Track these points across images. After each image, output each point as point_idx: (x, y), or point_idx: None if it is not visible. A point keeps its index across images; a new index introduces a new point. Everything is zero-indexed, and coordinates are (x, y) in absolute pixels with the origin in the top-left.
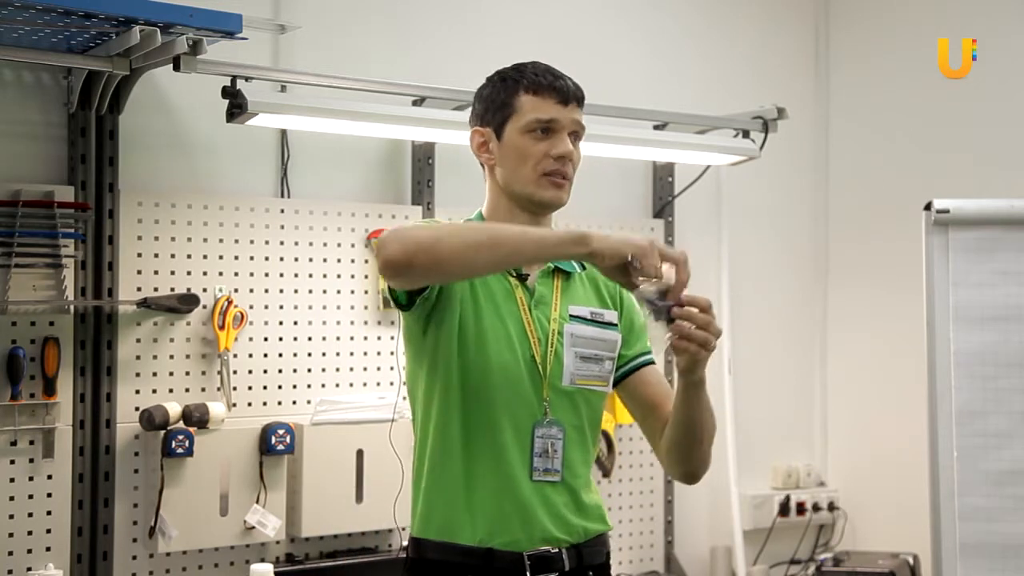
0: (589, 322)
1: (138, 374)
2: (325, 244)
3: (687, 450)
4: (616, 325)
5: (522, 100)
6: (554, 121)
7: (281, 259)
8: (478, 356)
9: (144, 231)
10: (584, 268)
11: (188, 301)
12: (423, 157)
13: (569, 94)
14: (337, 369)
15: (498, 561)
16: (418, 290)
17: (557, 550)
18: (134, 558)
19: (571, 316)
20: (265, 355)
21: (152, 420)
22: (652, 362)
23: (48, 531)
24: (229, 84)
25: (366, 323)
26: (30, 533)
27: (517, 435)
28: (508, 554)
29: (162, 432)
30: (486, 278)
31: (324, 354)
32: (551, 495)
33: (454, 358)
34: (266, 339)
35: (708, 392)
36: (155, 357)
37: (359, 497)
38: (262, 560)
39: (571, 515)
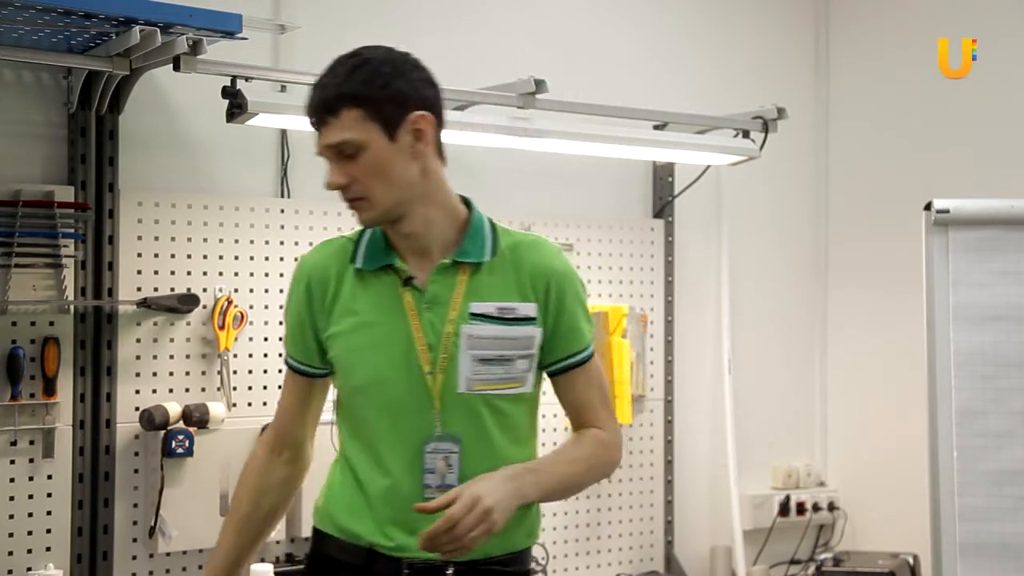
0: (494, 320)
1: (138, 374)
2: None
3: None
4: (533, 319)
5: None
6: (320, 149)
7: (281, 259)
8: (351, 378)
9: (144, 231)
10: (495, 254)
11: (188, 301)
12: None
13: (316, 114)
14: None
15: (379, 565)
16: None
17: (443, 563)
18: (134, 558)
19: (472, 315)
20: (265, 355)
21: (152, 420)
22: (578, 364)
23: (48, 531)
24: (229, 84)
25: None
26: (30, 533)
27: (404, 452)
28: (390, 559)
29: (162, 432)
30: (369, 283)
31: None
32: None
33: (337, 381)
34: (266, 339)
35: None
36: (155, 357)
37: None
38: (262, 560)
39: None
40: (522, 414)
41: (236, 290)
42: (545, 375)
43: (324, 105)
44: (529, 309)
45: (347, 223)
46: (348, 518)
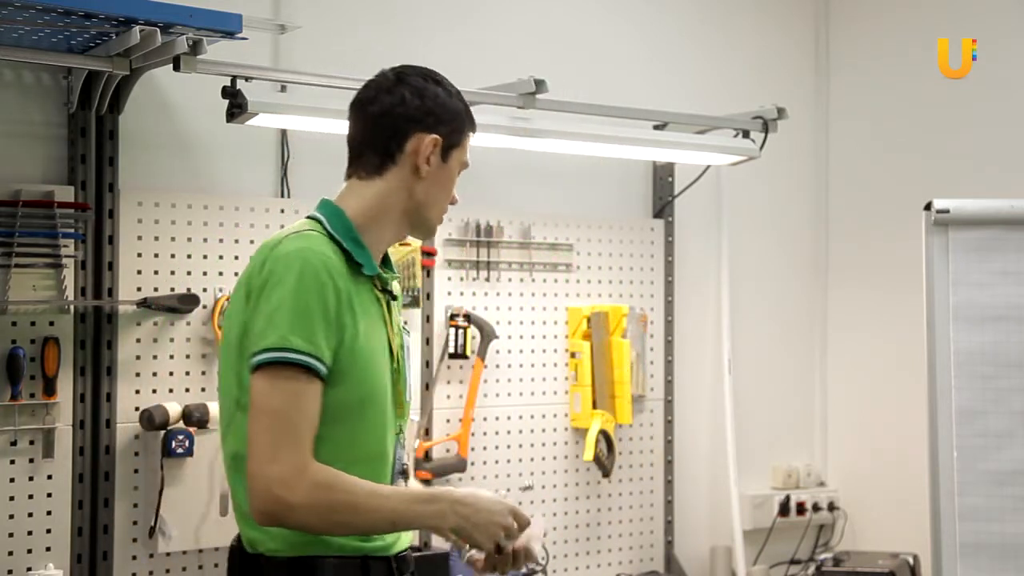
0: (406, 332)
1: (138, 374)
2: None
3: None
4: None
5: (467, 137)
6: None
7: None
8: (364, 385)
9: (144, 231)
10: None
11: (188, 301)
12: None
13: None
14: None
15: (375, 569)
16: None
17: (410, 551)
18: (134, 558)
19: (403, 328)
20: None
21: (152, 420)
22: None
23: (48, 531)
24: (229, 84)
25: None
26: (30, 533)
27: (390, 457)
28: (382, 559)
29: (162, 432)
30: (361, 290)
31: None
32: None
33: (343, 392)
34: None
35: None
36: (155, 357)
37: None
38: None
39: None
40: None
41: None
42: None
43: None
44: None
45: None
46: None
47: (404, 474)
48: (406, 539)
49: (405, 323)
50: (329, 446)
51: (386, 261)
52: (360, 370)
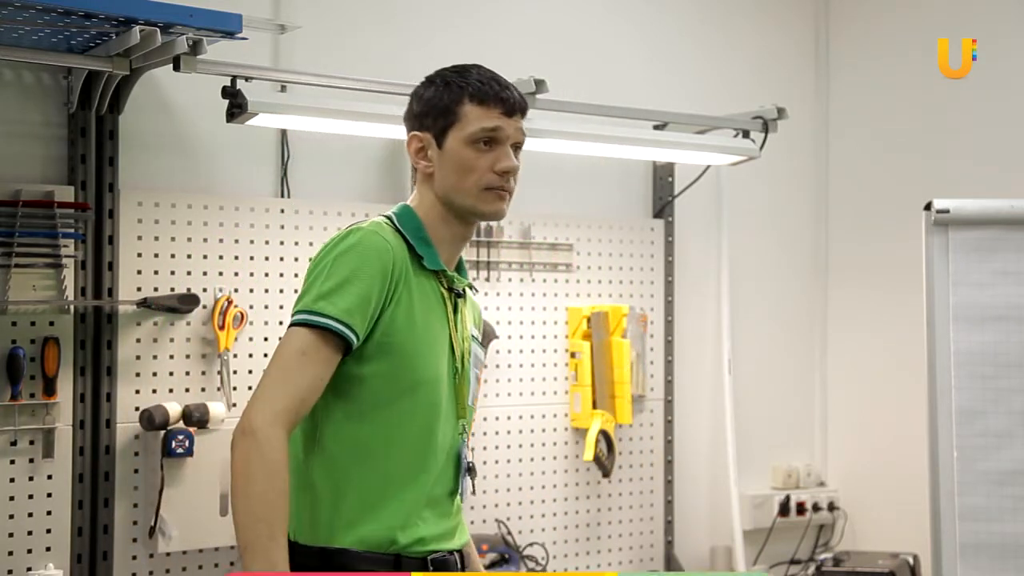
0: (476, 341)
1: (138, 374)
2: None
3: None
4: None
5: (466, 109)
6: (499, 130)
7: (281, 259)
8: (413, 372)
9: (144, 231)
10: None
11: (188, 301)
12: None
13: (515, 105)
14: None
15: (405, 565)
16: (352, 340)
17: (445, 555)
18: (134, 558)
19: (472, 336)
20: (265, 355)
21: (152, 420)
22: None
23: (48, 531)
24: (229, 84)
25: None
26: (30, 533)
27: (441, 454)
28: (414, 559)
29: (162, 432)
30: (422, 282)
31: None
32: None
33: (391, 373)
34: (266, 339)
35: None
36: (155, 357)
37: None
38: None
39: (462, 524)
40: None
41: (236, 290)
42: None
43: (524, 103)
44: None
45: (347, 223)
46: (397, 528)
47: (471, 471)
48: (456, 541)
49: (482, 343)
50: (376, 426)
51: (460, 267)
52: (410, 354)
